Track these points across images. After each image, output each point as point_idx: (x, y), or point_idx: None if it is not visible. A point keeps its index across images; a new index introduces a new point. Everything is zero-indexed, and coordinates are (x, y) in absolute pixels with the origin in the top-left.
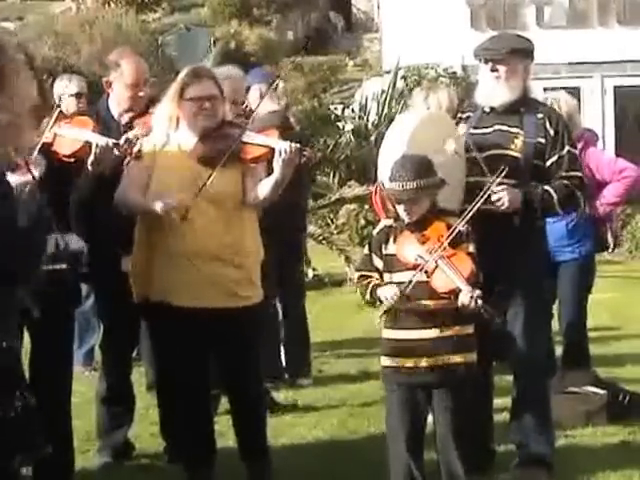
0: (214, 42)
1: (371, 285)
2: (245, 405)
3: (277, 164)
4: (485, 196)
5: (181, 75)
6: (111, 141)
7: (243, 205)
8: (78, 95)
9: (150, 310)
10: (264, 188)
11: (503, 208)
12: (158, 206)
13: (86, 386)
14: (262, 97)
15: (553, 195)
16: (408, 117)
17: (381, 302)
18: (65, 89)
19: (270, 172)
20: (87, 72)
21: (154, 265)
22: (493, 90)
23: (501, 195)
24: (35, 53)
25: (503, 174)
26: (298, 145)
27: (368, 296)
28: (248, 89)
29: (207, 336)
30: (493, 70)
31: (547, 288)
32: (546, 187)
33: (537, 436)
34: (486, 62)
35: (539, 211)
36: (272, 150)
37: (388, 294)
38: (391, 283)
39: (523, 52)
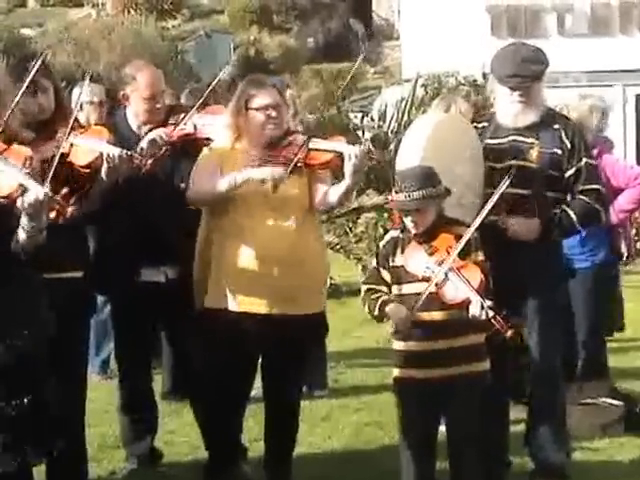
0: (234, 49)
1: (380, 301)
2: (284, 413)
3: (347, 169)
4: (492, 204)
5: (244, 85)
6: (125, 152)
7: (309, 212)
8: (100, 103)
9: (210, 316)
10: (334, 194)
11: (521, 238)
12: (256, 173)
13: (102, 394)
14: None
15: (572, 216)
16: (423, 122)
17: (389, 318)
18: (86, 97)
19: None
20: (106, 79)
21: (215, 270)
22: (518, 114)
23: (517, 229)
24: (54, 60)
25: (507, 182)
26: (365, 148)
27: (376, 312)
28: None
29: (262, 342)
30: (521, 96)
31: (562, 298)
32: (564, 207)
33: (552, 447)
34: (513, 90)
35: (558, 232)
36: (340, 155)
37: (397, 314)
38: (400, 295)
39: (544, 72)
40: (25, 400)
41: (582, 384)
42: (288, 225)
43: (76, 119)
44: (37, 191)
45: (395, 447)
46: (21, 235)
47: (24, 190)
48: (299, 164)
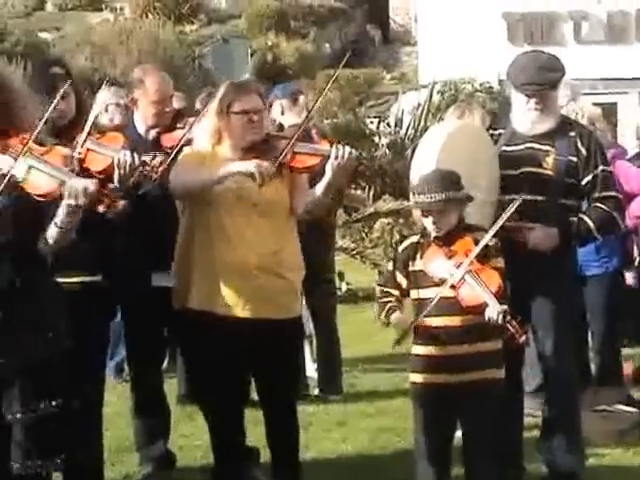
0: (251, 54)
1: (387, 307)
2: (281, 418)
3: (329, 168)
4: (512, 211)
5: (225, 89)
6: (137, 158)
7: (290, 215)
8: (125, 106)
9: (192, 318)
10: (314, 195)
11: (540, 248)
12: (243, 166)
13: (117, 397)
14: (283, 112)
15: (589, 224)
16: (439, 129)
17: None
18: (111, 100)
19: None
20: (124, 83)
21: (199, 275)
22: (536, 121)
23: (537, 240)
24: (72, 64)
25: (520, 201)
26: (353, 150)
27: (383, 316)
28: (271, 105)
29: (249, 347)
30: (537, 103)
31: (576, 304)
32: (581, 215)
33: (567, 454)
34: (529, 97)
35: (576, 241)
36: (325, 158)
37: (399, 324)
38: (419, 299)
39: (561, 79)
40: (47, 405)
41: (597, 391)
42: (270, 228)
43: (94, 124)
44: (85, 183)
45: (410, 453)
46: (51, 232)
47: (70, 185)
48: (285, 160)
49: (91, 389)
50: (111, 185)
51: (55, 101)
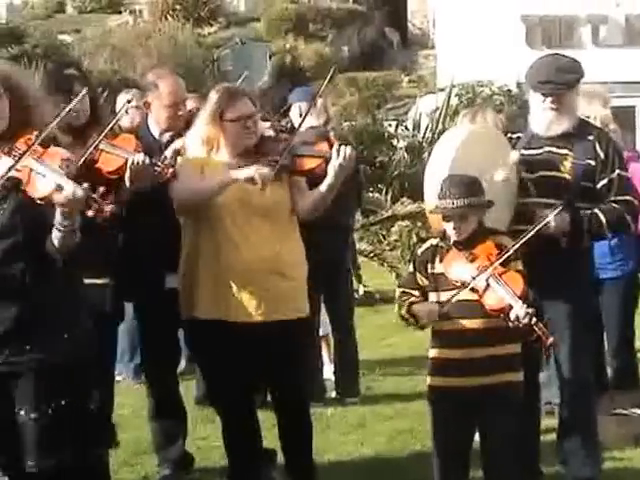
0: (269, 57)
1: (408, 302)
2: (292, 420)
3: (331, 168)
4: (542, 224)
5: (216, 96)
6: (147, 159)
7: (290, 217)
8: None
9: (201, 327)
10: (315, 196)
11: (550, 231)
12: (243, 173)
13: (136, 399)
14: (302, 115)
15: (602, 219)
16: (454, 133)
17: (416, 320)
18: (133, 101)
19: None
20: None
21: (205, 281)
22: (552, 122)
23: (550, 219)
24: (91, 66)
25: (560, 208)
26: (354, 150)
27: (404, 312)
28: (289, 107)
29: (260, 350)
30: (553, 102)
31: (592, 308)
32: (595, 210)
33: (583, 458)
34: (545, 96)
35: (587, 234)
36: (325, 160)
37: (424, 309)
38: (438, 302)
39: (579, 81)
40: (63, 403)
41: (613, 394)
42: (273, 230)
43: (110, 126)
44: (74, 188)
45: (428, 456)
46: (55, 234)
47: (61, 188)
48: (285, 164)
49: (101, 392)
50: (101, 189)
51: (71, 104)
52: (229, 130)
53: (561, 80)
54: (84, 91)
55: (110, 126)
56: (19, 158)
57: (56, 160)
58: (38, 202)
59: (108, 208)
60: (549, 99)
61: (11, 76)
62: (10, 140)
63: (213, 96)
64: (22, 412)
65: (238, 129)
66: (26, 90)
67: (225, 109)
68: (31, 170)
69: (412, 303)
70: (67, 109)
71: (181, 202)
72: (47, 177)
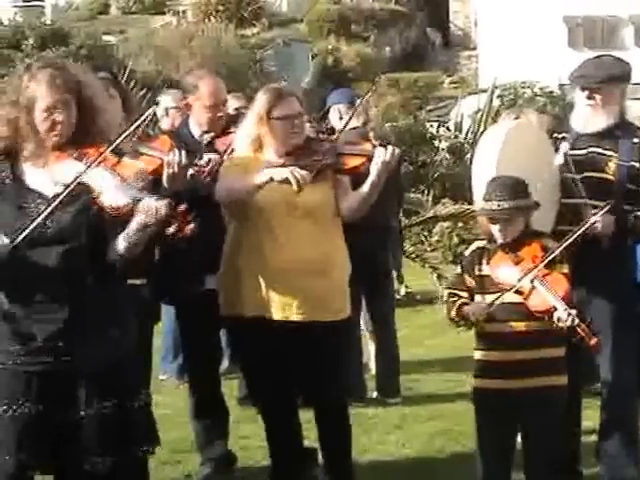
0: (312, 57)
1: (458, 303)
2: (332, 420)
3: (374, 167)
4: (588, 226)
5: (264, 96)
6: (184, 159)
7: (334, 217)
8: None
9: (243, 325)
10: (358, 196)
11: (596, 232)
12: (279, 173)
13: (179, 398)
14: (342, 117)
15: None
16: (495, 131)
17: (465, 321)
18: (172, 103)
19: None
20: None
21: (247, 279)
22: (589, 117)
23: (596, 218)
24: (135, 67)
25: (607, 209)
26: (396, 148)
27: (453, 313)
28: (328, 110)
29: (300, 349)
30: (589, 97)
31: (635, 310)
32: (638, 213)
33: (624, 460)
34: (582, 89)
35: (630, 235)
36: (369, 158)
37: (474, 307)
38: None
39: (620, 78)
40: (112, 403)
41: None
42: (317, 230)
43: (143, 128)
44: (157, 204)
45: (469, 456)
46: (121, 243)
47: (140, 202)
48: (325, 165)
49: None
50: (182, 207)
51: (142, 118)
52: (276, 129)
53: (598, 74)
54: (151, 110)
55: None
56: (90, 165)
57: (132, 171)
58: (108, 211)
59: (189, 227)
60: (586, 92)
61: (82, 83)
62: (75, 146)
63: (261, 95)
64: (71, 413)
65: (285, 128)
66: (93, 99)
67: (273, 108)
68: (104, 179)
69: (463, 304)
70: (138, 122)
71: (221, 201)
72: (124, 189)
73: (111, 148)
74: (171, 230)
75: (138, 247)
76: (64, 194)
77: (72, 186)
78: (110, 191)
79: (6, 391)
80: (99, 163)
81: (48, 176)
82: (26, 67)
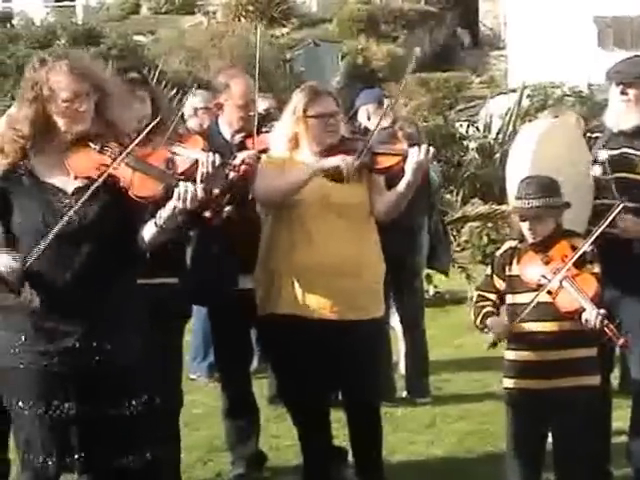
0: (341, 57)
1: (483, 312)
2: (363, 420)
3: (408, 166)
4: (611, 218)
5: (301, 93)
6: (219, 158)
7: (369, 217)
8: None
9: (277, 323)
10: (393, 197)
11: (626, 235)
12: (329, 162)
13: (210, 397)
14: (370, 118)
15: None
16: (531, 129)
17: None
18: (200, 104)
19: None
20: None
21: (282, 278)
22: (623, 113)
23: (627, 223)
24: (166, 67)
25: (620, 207)
26: (431, 148)
27: (478, 322)
28: (357, 111)
29: (332, 349)
30: (623, 93)
31: None
32: None
33: None
34: (617, 85)
35: None
36: (403, 158)
37: (497, 327)
38: (513, 304)
39: None
40: (141, 400)
41: None
42: (351, 230)
43: (174, 128)
44: (193, 188)
45: (498, 456)
46: (150, 229)
47: (176, 188)
48: (365, 162)
49: (168, 390)
50: (216, 190)
51: (176, 118)
52: (312, 127)
53: (632, 70)
54: (180, 113)
55: (171, 128)
56: (115, 158)
57: (160, 160)
58: (139, 201)
59: (226, 209)
60: (620, 88)
61: (97, 74)
62: (94, 139)
63: (297, 94)
64: (102, 410)
65: (321, 126)
66: (108, 92)
67: (309, 106)
68: (135, 170)
69: (486, 315)
70: (153, 122)
71: (259, 200)
72: (155, 177)
73: (139, 140)
74: (208, 214)
75: (167, 234)
76: (92, 189)
77: (100, 180)
78: (140, 181)
79: (38, 392)
80: (127, 155)
81: (66, 171)
82: (40, 61)
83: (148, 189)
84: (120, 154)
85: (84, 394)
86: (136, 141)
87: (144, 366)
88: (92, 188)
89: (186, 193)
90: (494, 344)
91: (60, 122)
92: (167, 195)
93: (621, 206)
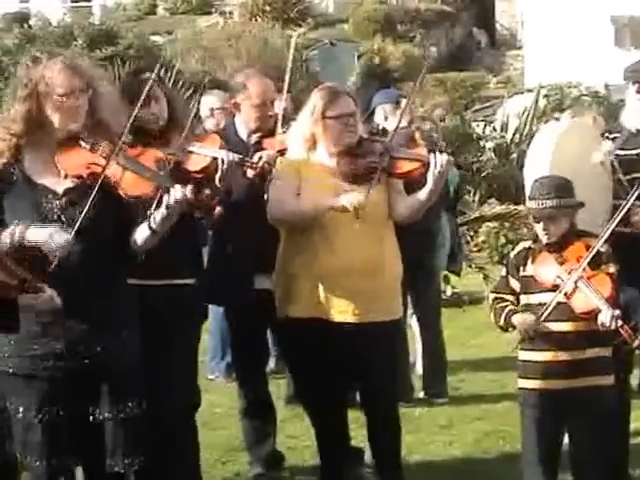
0: (358, 57)
1: (506, 311)
2: (382, 420)
3: (430, 176)
4: (622, 214)
5: (319, 94)
6: (237, 157)
7: (387, 219)
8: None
9: (296, 325)
10: (413, 202)
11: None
12: (337, 201)
13: (228, 398)
14: (387, 118)
15: None
16: (550, 130)
17: (514, 328)
18: (217, 104)
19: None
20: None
21: (301, 280)
22: (638, 110)
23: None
24: (183, 67)
25: (635, 194)
26: (450, 157)
27: (502, 322)
28: (373, 111)
29: (351, 350)
30: (638, 90)
31: None
32: None
33: None
34: (634, 84)
35: None
36: (424, 164)
37: (525, 324)
38: (528, 305)
39: None
40: (138, 402)
41: None
42: (370, 233)
43: (191, 127)
44: (181, 190)
45: (516, 457)
46: (142, 232)
47: (166, 190)
48: (384, 167)
49: (181, 392)
50: (207, 191)
51: (139, 103)
52: (330, 127)
53: None
54: (144, 93)
55: (187, 127)
56: (109, 157)
57: (150, 160)
58: (130, 201)
59: (217, 209)
60: (636, 87)
61: (94, 78)
62: (86, 137)
63: (315, 94)
64: (98, 412)
65: (339, 126)
66: (101, 91)
67: (327, 107)
68: (125, 169)
69: (511, 312)
70: (137, 105)
71: (273, 220)
72: (146, 177)
73: (125, 135)
74: (199, 214)
75: (159, 237)
76: (97, 187)
77: (102, 177)
78: (134, 180)
79: (29, 397)
80: (118, 154)
81: (56, 170)
82: (33, 59)
83: (138, 188)
84: (112, 152)
85: (73, 398)
86: (123, 137)
87: (137, 369)
88: (93, 193)
89: (177, 195)
90: (523, 341)
91: (55, 118)
92: (157, 195)
93: (628, 204)
